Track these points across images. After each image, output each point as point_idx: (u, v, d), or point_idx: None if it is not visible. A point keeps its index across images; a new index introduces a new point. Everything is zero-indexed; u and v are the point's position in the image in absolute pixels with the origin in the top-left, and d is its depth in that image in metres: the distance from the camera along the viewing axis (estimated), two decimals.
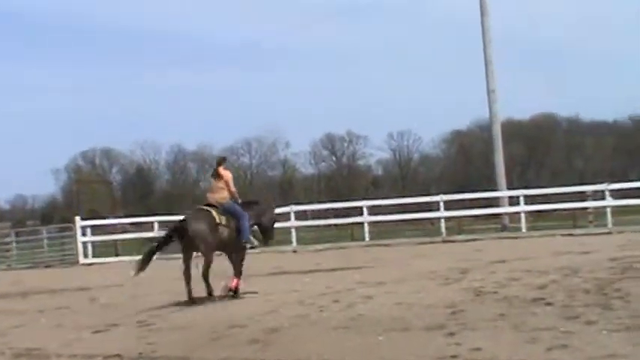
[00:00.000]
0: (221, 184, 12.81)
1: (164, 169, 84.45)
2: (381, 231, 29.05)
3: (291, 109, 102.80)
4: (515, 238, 21.99)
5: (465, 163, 78.41)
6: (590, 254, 15.00)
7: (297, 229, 25.76)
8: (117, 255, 27.02)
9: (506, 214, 26.81)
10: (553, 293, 9.97)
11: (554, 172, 72.16)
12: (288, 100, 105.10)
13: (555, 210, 27.94)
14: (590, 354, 6.53)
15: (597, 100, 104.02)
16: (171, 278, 14.08)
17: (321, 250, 23.14)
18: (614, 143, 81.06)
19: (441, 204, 24.49)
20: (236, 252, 12.79)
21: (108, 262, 24.74)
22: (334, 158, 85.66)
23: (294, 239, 24.63)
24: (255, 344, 8.25)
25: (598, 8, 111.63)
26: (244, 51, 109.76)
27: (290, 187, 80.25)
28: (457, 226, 28.80)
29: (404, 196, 35.65)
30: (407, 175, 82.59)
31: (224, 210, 12.60)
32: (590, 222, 24.05)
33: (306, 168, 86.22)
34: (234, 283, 12.49)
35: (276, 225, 14.40)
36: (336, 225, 30.71)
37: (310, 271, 15.96)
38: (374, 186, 77.63)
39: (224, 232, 12.49)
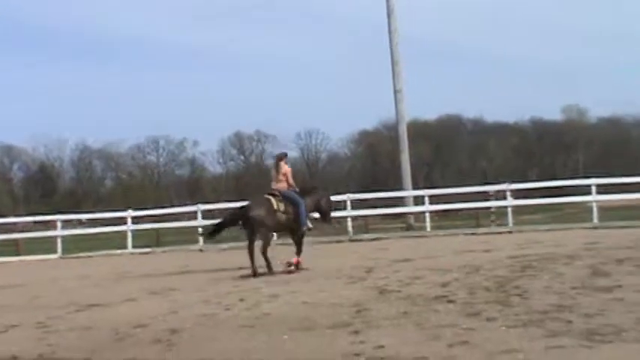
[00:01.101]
0: (281, 176, 14.74)
1: (68, 167, 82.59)
2: None
3: (198, 108, 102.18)
4: (420, 237, 22.40)
5: (372, 162, 79.32)
6: (491, 253, 15.36)
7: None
8: (18, 254, 26.31)
9: (411, 213, 27.25)
10: (455, 291, 10.17)
11: (460, 172, 73.61)
12: (195, 99, 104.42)
13: (459, 210, 28.52)
14: (489, 349, 6.69)
15: (500, 102, 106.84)
16: (72, 278, 13.80)
17: (227, 249, 23.03)
18: (515, 144, 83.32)
19: (348, 203, 24.71)
20: (296, 233, 14.68)
21: (8, 262, 24.10)
22: (243, 157, 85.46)
23: (200, 238, 24.46)
24: (159, 344, 8.15)
25: (502, 13, 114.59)
26: (153, 47, 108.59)
27: (198, 186, 79.61)
28: (364, 226, 29.09)
29: None
30: (315, 174, 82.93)
31: (283, 197, 14.45)
32: (492, 221, 24.66)
33: (214, 167, 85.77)
34: (295, 259, 14.35)
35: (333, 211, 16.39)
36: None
37: (216, 270, 15.87)
38: None
39: (282, 217, 14.36)
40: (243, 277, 13.94)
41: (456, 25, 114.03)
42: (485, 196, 25.21)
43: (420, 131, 65.70)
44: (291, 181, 14.81)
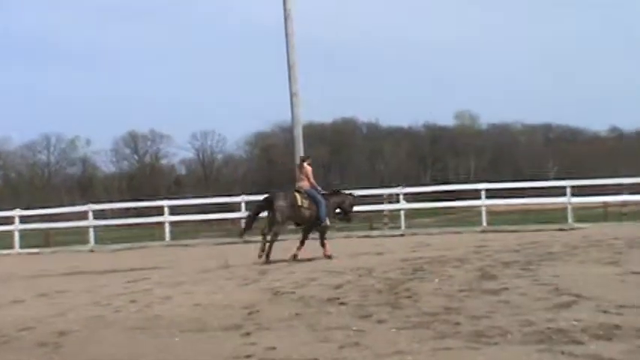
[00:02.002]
0: (303, 175, 16.32)
1: None
2: (182, 231, 28.82)
3: (92, 106, 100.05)
4: (316, 239, 22.44)
5: (267, 164, 79.26)
6: (384, 255, 15.57)
7: (96, 228, 25.14)
8: None
9: None
10: (347, 293, 10.25)
11: (358, 175, 74.38)
12: (88, 97, 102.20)
13: (356, 212, 28.70)
14: (379, 351, 6.77)
15: (395, 107, 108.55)
16: None
17: (120, 249, 22.62)
18: (409, 148, 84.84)
19: (243, 205, 24.61)
20: (316, 228, 16.22)
21: None
22: (136, 157, 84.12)
23: (92, 239, 23.95)
24: (46, 347, 7.92)
25: (395, 19, 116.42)
26: (46, 45, 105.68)
27: (90, 185, 77.96)
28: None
29: (206, 196, 35.48)
30: (210, 176, 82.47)
31: (307, 195, 16.02)
32: (385, 224, 25.00)
33: (107, 166, 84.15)
34: (327, 251, 15.84)
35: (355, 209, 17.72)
36: (138, 224, 30.15)
37: (107, 272, 15.56)
38: (177, 185, 76.85)
39: (305, 212, 15.92)
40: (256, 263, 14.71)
41: (352, 30, 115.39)
42: (378, 200, 25.52)
43: (316, 134, 66.20)
44: (312, 180, 16.32)
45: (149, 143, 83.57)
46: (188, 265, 16.04)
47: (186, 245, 22.86)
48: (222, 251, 17.64)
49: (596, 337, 6.72)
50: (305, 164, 16.56)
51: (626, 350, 6.19)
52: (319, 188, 16.50)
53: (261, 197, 17.27)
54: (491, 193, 25.31)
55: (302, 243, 16.14)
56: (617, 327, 7.05)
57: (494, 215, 27.00)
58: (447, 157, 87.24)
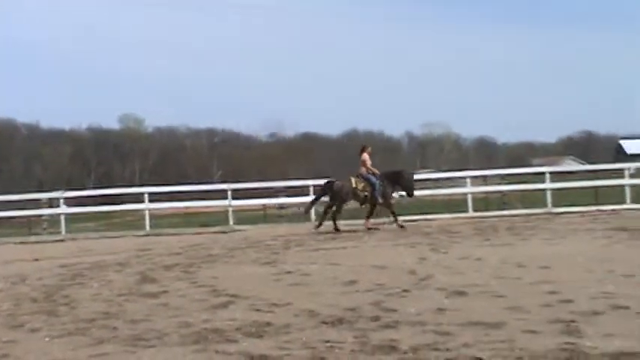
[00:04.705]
0: (361, 162, 19.58)
1: None
2: None
3: None
4: None
5: None
6: (41, 262, 14.95)
7: None
8: None
9: None
10: None
11: (13, 178, 70.64)
12: None
13: (11, 217, 27.21)
14: None
15: (57, 109, 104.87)
16: None
17: None
18: (71, 152, 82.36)
19: None
20: (377, 204, 19.49)
21: None
22: None
23: None
24: None
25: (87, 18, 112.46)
26: None
27: None
28: None
29: None
30: None
31: (363, 179, 19.36)
32: (45, 229, 24.03)
33: None
34: (398, 223, 19.26)
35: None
36: None
37: None
38: None
39: (360, 194, 19.27)
40: None
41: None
42: (38, 204, 24.48)
43: None
44: (368, 165, 19.51)
45: None
46: None
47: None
48: None
49: (248, 335, 6.95)
50: (364, 153, 19.63)
51: (274, 346, 6.47)
52: (375, 172, 19.55)
53: None
54: (156, 197, 25.35)
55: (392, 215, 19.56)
56: (268, 324, 7.35)
57: (159, 219, 27.06)
58: (112, 160, 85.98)
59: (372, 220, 19.49)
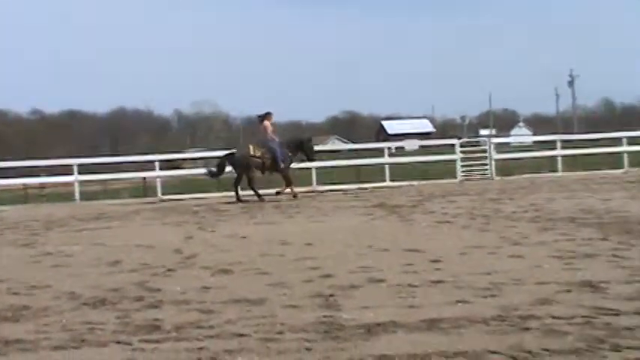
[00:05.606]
0: (261, 129, 20.35)
1: None
2: None
3: None
4: None
5: None
6: None
7: None
8: None
9: None
10: None
11: None
12: None
13: None
14: None
15: None
16: None
17: None
18: None
19: None
20: (278, 171, 20.17)
21: None
22: None
23: None
24: None
25: None
26: None
27: None
28: None
29: None
30: None
31: (262, 145, 19.98)
32: None
33: None
34: (289, 190, 20.19)
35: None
36: None
37: None
38: None
39: (258, 161, 19.78)
40: None
41: None
42: None
43: None
44: (269, 133, 20.14)
45: None
46: None
47: None
48: None
49: (4, 320, 6.62)
50: (265, 121, 20.22)
51: (32, 330, 6.20)
52: (275, 139, 20.16)
53: None
54: None
55: (288, 183, 20.23)
56: (26, 307, 7.04)
57: None
58: None
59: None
